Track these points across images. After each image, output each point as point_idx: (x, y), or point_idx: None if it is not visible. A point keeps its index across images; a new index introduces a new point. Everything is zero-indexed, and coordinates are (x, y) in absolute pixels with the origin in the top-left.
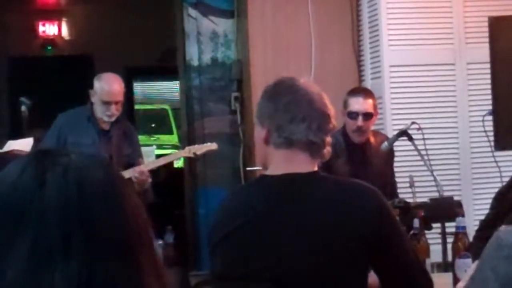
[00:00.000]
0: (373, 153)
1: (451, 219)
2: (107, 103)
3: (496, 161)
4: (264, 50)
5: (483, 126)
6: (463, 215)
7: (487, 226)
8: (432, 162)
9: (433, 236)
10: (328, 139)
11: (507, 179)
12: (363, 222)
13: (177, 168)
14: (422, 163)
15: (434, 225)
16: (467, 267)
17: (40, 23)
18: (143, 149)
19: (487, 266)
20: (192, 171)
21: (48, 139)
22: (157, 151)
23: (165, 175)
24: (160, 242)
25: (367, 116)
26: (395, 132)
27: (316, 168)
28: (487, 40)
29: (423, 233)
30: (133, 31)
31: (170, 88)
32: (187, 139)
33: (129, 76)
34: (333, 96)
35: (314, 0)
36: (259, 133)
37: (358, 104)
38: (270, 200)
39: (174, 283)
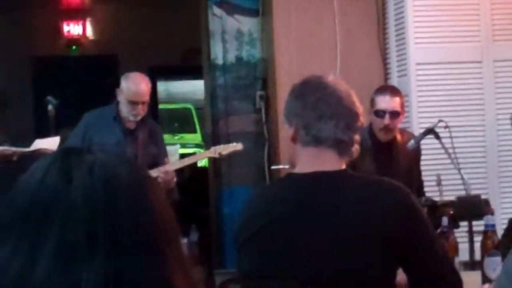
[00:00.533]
0: (400, 152)
1: (479, 217)
2: (133, 103)
3: None
4: (289, 48)
5: (511, 123)
6: (492, 213)
7: None
8: (459, 160)
9: (459, 234)
10: (356, 137)
11: None
12: (392, 220)
13: (201, 167)
14: (449, 161)
15: (460, 223)
16: (497, 265)
17: (65, 23)
18: (167, 148)
19: None
20: (217, 170)
21: (73, 138)
22: (180, 150)
23: (189, 174)
24: (185, 241)
25: (394, 114)
26: (422, 130)
27: (344, 166)
28: None
29: (452, 231)
30: (157, 30)
31: (193, 87)
32: (211, 138)
33: (153, 76)
34: (358, 94)
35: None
36: (286, 131)
37: (385, 102)
38: (298, 199)
39: (199, 282)
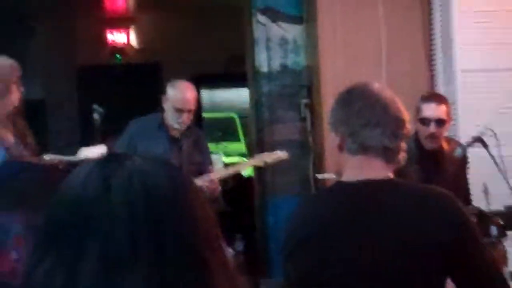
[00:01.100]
0: (446, 160)
1: None
2: (179, 111)
3: None
4: (334, 56)
5: None
6: None
7: None
8: (506, 169)
9: (506, 244)
10: (403, 144)
11: None
12: (441, 228)
13: (246, 177)
14: (496, 170)
15: (508, 232)
16: None
17: (109, 32)
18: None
19: None
20: (262, 179)
21: (119, 147)
22: (224, 159)
23: (234, 184)
24: (230, 250)
25: (440, 122)
26: (468, 139)
27: (391, 174)
28: None
29: (501, 241)
30: (200, 38)
31: (237, 95)
32: (256, 146)
33: (197, 84)
34: (404, 102)
35: (384, 4)
36: (333, 139)
37: (431, 110)
38: (346, 207)
39: None
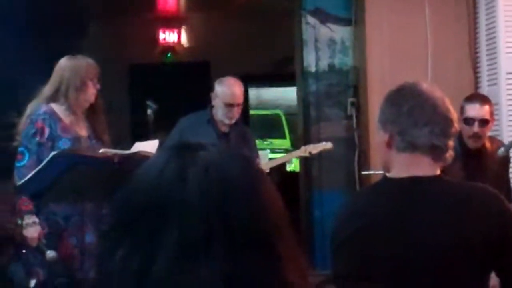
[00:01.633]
0: (489, 159)
1: None
2: (229, 105)
3: None
4: (381, 57)
5: None
6: None
7: None
8: None
9: None
10: (451, 143)
11: None
12: (487, 225)
13: (292, 172)
14: None
15: None
16: None
17: (161, 31)
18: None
19: None
20: (308, 174)
21: (170, 141)
22: (270, 155)
23: (279, 178)
24: None
25: (483, 122)
26: None
27: (438, 172)
28: None
29: None
30: (249, 38)
31: (283, 94)
32: (302, 143)
33: (245, 82)
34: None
35: (430, 6)
36: (381, 137)
37: (475, 110)
38: (394, 202)
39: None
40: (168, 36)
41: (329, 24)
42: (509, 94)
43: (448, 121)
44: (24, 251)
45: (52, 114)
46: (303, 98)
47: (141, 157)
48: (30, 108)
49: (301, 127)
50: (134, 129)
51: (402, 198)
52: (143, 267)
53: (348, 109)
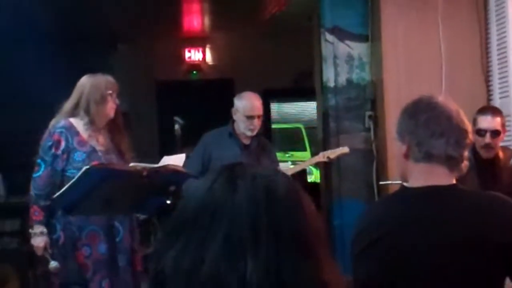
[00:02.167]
0: (502, 168)
1: None
2: (250, 117)
3: None
4: (397, 72)
5: None
6: None
7: None
8: None
9: None
10: (466, 153)
11: None
12: (503, 232)
13: (313, 182)
14: None
15: None
16: None
17: (186, 50)
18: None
19: None
20: (328, 185)
21: (195, 155)
22: (291, 166)
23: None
24: None
25: (495, 133)
26: None
27: (454, 181)
28: None
29: None
30: (271, 55)
31: (304, 108)
32: None
33: (266, 97)
34: None
35: (444, 23)
36: (399, 148)
37: (487, 122)
38: (412, 211)
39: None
40: (193, 55)
41: (347, 41)
42: None
43: (463, 132)
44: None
45: (70, 128)
46: (322, 112)
47: (169, 170)
48: (51, 123)
49: (321, 140)
50: (162, 143)
51: (420, 207)
52: (193, 267)
53: (366, 122)
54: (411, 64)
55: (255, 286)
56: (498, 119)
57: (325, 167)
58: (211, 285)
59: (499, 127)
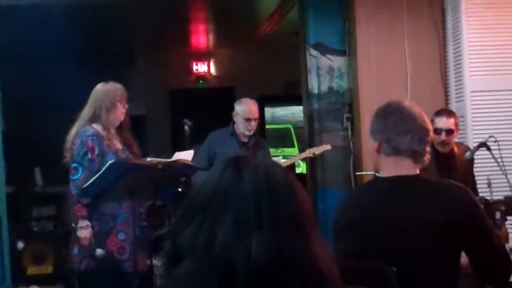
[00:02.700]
0: (457, 160)
1: None
2: (248, 120)
3: None
4: (370, 81)
5: None
6: None
7: None
8: (506, 167)
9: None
10: (427, 148)
11: None
12: (458, 213)
13: (300, 173)
14: (497, 168)
15: (508, 217)
16: None
17: (194, 63)
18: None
19: None
20: (313, 175)
21: (202, 151)
22: (282, 160)
23: None
24: None
25: (449, 132)
26: (476, 144)
27: (418, 172)
28: None
29: (503, 223)
30: (265, 67)
31: (292, 111)
32: None
33: (261, 102)
34: None
35: (409, 41)
36: (372, 145)
37: (442, 122)
38: (383, 197)
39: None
40: (200, 67)
41: (328, 55)
42: (473, 109)
43: (425, 131)
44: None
45: (98, 134)
46: (308, 114)
47: (180, 164)
48: (76, 128)
49: (307, 138)
50: (174, 141)
51: (389, 193)
52: (207, 243)
53: (344, 123)
54: (381, 74)
55: (259, 259)
56: (452, 120)
57: (311, 161)
58: (222, 258)
59: (453, 127)
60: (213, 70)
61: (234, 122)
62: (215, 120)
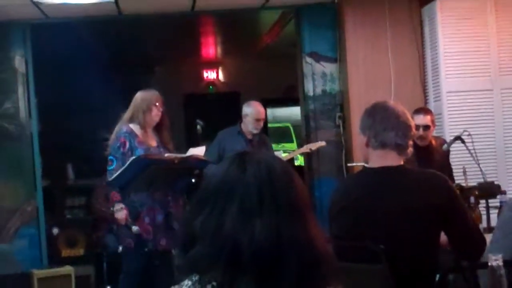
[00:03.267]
0: (435, 152)
1: (493, 197)
2: (258, 120)
3: None
4: (358, 84)
5: None
6: (505, 193)
7: None
8: (478, 158)
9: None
10: (410, 142)
11: None
12: (438, 197)
13: (298, 165)
14: (471, 158)
15: (480, 201)
16: None
17: (204, 70)
18: (274, 153)
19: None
20: (310, 167)
21: (212, 147)
22: (283, 154)
23: None
24: None
25: (426, 127)
26: (452, 138)
27: (402, 163)
28: None
29: (477, 206)
30: (267, 73)
31: (291, 112)
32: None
33: (264, 104)
34: None
35: (392, 49)
36: (361, 139)
37: (420, 119)
38: (372, 184)
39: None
40: (209, 74)
41: (321, 62)
42: (449, 107)
43: (408, 127)
44: (114, 227)
45: (131, 132)
46: (305, 114)
47: (194, 159)
48: (117, 127)
49: (304, 134)
50: (188, 139)
51: (377, 181)
52: (216, 228)
53: (336, 121)
54: (368, 78)
55: (262, 241)
56: (428, 117)
57: (308, 155)
58: (229, 242)
59: (429, 123)
60: (221, 76)
61: (240, 122)
62: (224, 120)
